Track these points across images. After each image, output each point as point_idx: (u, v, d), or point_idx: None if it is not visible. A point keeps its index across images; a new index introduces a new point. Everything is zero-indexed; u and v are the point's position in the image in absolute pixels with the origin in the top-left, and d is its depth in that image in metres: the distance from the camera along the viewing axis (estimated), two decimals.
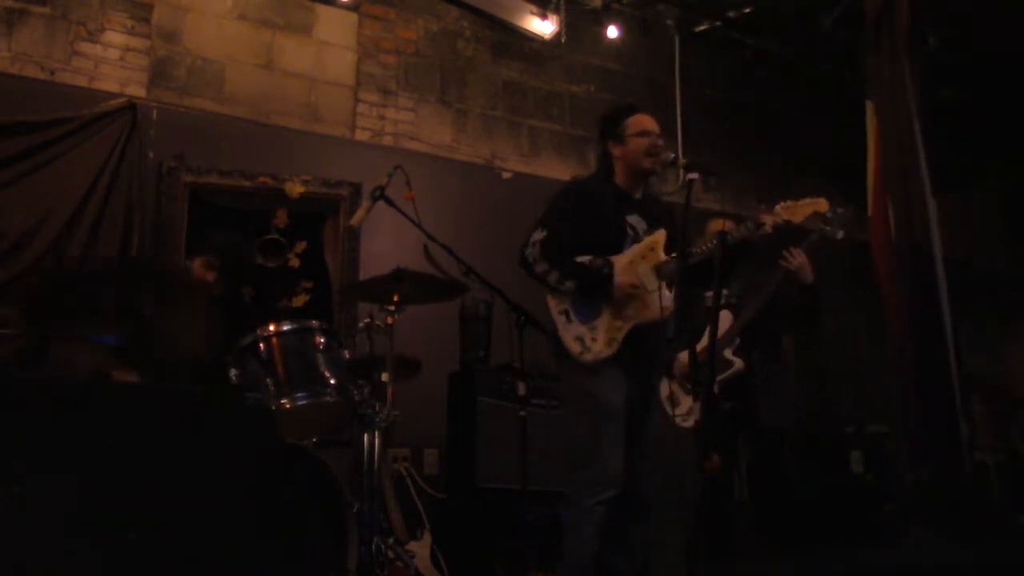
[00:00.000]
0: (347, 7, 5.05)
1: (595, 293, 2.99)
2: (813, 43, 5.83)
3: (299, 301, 4.68)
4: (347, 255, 4.75)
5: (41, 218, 4.01)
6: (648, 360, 3.07)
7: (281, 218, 4.67)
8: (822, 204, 3.05)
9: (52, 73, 4.28)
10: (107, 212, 4.15)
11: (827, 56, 5.92)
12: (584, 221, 3.04)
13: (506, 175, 5.36)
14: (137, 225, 4.20)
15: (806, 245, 3.56)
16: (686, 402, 3.63)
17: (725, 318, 3.66)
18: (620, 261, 3.00)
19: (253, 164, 4.57)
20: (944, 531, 3.24)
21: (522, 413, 3.18)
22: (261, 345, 3.32)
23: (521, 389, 3.22)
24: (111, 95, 4.33)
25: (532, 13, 5.45)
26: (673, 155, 3.07)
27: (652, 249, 3.03)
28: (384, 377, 3.52)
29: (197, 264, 3.74)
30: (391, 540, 3.50)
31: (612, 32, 5.71)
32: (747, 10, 5.66)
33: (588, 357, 2.95)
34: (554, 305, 3.06)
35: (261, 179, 4.58)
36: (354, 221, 3.47)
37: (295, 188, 4.51)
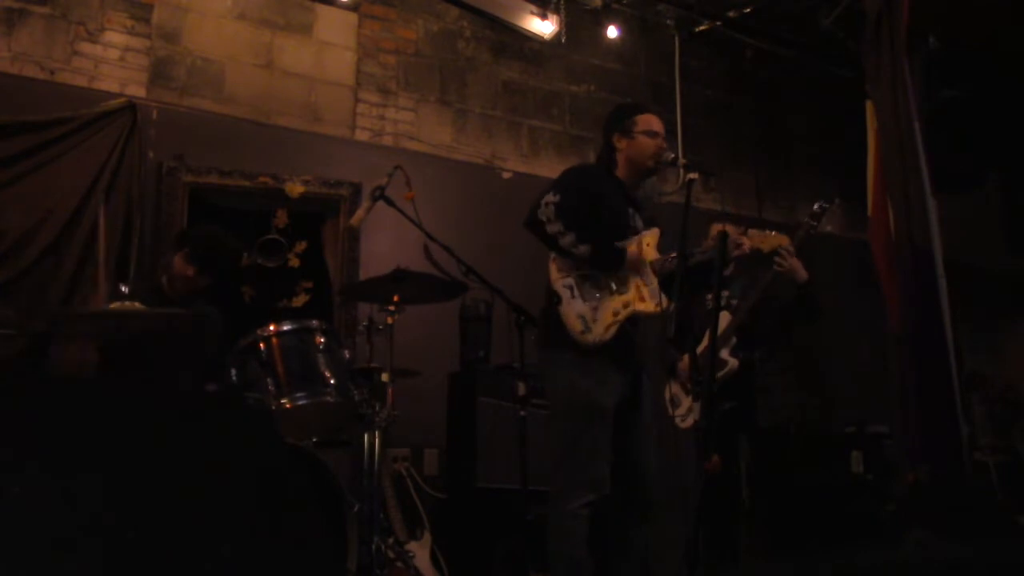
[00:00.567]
0: (347, 7, 5.05)
1: (607, 263, 2.94)
2: (813, 43, 5.83)
3: (299, 301, 4.68)
4: (347, 255, 4.75)
5: (41, 218, 4.01)
6: (642, 357, 3.06)
7: (281, 218, 4.67)
8: (784, 240, 3.29)
9: (52, 73, 4.28)
10: (107, 212, 4.14)
11: (827, 56, 5.92)
12: (596, 199, 3.01)
13: (506, 175, 5.36)
14: (137, 225, 4.20)
15: (797, 242, 3.57)
16: (686, 402, 3.64)
17: (725, 319, 3.67)
18: (631, 245, 3.01)
19: (253, 164, 4.57)
20: (944, 531, 3.24)
21: (522, 413, 3.19)
22: (261, 345, 3.32)
23: (521, 389, 3.23)
24: (111, 95, 4.33)
25: (532, 13, 5.45)
26: (673, 155, 3.08)
27: (647, 246, 3.04)
28: (384, 377, 3.52)
29: (178, 259, 3.61)
30: (391, 540, 3.50)
31: (612, 32, 5.71)
32: (747, 10, 5.66)
33: (589, 338, 2.88)
34: (558, 277, 2.99)
35: (261, 179, 4.58)
36: (354, 221, 3.48)
37: (295, 188, 4.51)
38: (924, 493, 3.57)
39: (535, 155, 5.52)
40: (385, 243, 4.64)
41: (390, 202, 3.34)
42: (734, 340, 3.69)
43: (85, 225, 4.07)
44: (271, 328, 3.34)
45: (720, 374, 3.62)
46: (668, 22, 5.93)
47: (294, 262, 4.69)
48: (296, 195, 4.50)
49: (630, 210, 3.10)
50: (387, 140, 5.05)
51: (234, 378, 3.33)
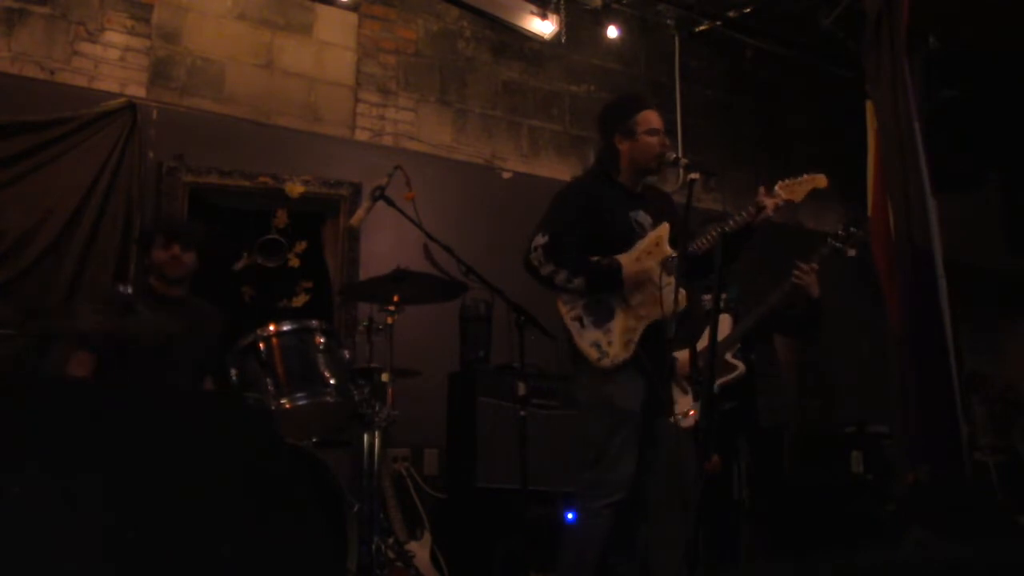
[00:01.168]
0: (347, 7, 5.05)
1: (605, 288, 2.96)
2: (813, 43, 5.83)
3: (299, 301, 4.68)
4: (347, 255, 4.75)
5: (41, 218, 4.01)
6: (664, 361, 3.06)
7: (281, 218, 4.67)
8: (821, 180, 3.14)
9: (52, 73, 4.28)
10: (107, 212, 4.14)
11: (827, 56, 5.92)
12: (589, 222, 3.02)
13: (506, 175, 5.36)
14: (137, 225, 4.20)
15: (818, 259, 3.60)
16: (685, 402, 3.63)
17: (724, 321, 3.67)
18: (627, 258, 2.99)
19: (253, 164, 4.57)
20: (944, 531, 3.24)
21: (522, 413, 3.18)
22: (261, 345, 3.31)
23: (521, 389, 3.23)
24: (111, 95, 4.32)
25: (532, 13, 5.45)
26: (675, 155, 3.07)
27: (657, 244, 3.02)
28: (384, 377, 3.52)
29: (157, 252, 3.39)
30: (391, 540, 3.50)
31: (612, 32, 5.70)
32: (747, 10, 5.66)
33: (607, 362, 2.91)
34: (566, 312, 3.01)
35: (261, 179, 4.58)
36: (354, 221, 3.48)
37: (295, 188, 4.51)
38: (924, 493, 3.57)
39: (535, 155, 5.52)
40: (385, 243, 4.64)
41: (390, 202, 3.34)
42: (738, 345, 3.69)
43: (85, 225, 4.07)
44: (271, 328, 3.34)
45: (728, 378, 3.63)
46: (668, 22, 5.93)
47: (294, 262, 4.68)
48: (296, 195, 4.49)
49: (634, 213, 3.09)
50: (387, 140, 5.05)
51: (234, 378, 3.33)
